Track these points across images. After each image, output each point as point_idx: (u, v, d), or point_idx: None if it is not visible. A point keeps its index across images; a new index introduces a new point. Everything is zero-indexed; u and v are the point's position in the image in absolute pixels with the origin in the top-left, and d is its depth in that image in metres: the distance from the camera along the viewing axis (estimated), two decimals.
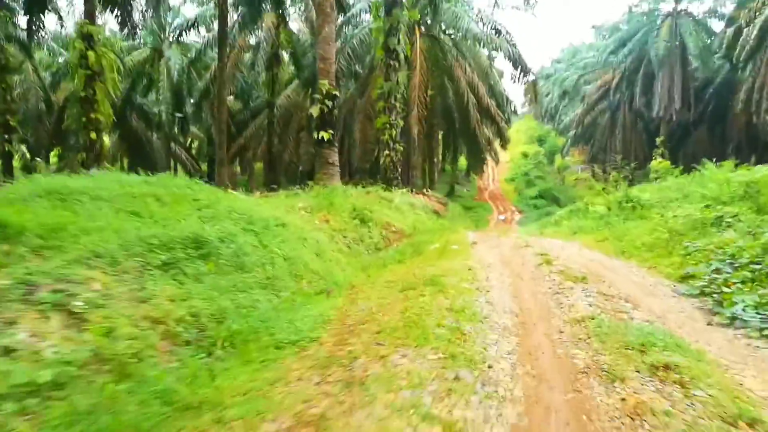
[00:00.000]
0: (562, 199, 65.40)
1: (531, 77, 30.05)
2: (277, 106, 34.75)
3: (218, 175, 24.85)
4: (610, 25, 54.51)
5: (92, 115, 18.36)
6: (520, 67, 28.78)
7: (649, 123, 55.98)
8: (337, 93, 19.71)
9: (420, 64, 26.12)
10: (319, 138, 17.93)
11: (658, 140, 48.60)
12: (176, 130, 39.61)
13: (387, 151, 21.60)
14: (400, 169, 22.15)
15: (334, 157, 18.53)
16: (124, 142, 41.94)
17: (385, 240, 13.86)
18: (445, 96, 31.29)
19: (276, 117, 34.01)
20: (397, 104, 21.90)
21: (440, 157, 47.83)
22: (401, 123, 22.03)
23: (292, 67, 34.72)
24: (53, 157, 42.44)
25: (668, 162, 37.97)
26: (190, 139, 46.09)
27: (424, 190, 23.01)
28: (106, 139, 20.72)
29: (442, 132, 33.71)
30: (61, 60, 36.13)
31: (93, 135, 18.46)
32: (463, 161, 68.73)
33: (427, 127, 34.57)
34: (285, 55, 35.75)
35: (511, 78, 38.52)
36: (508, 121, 37.55)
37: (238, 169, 47.94)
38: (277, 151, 36.18)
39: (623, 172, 61.15)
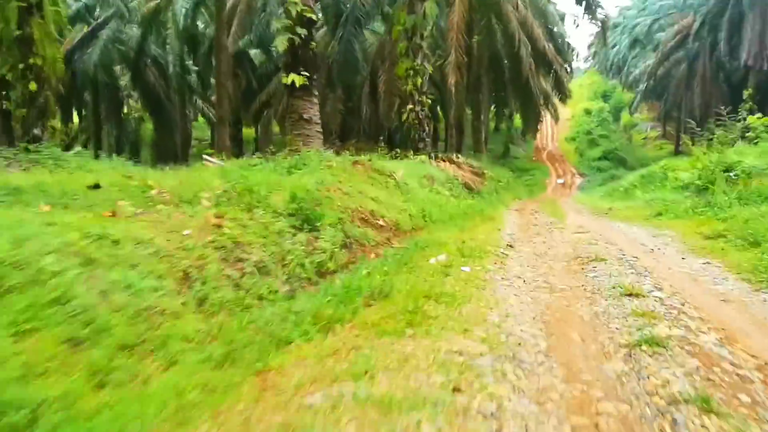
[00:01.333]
0: (629, 161, 59.29)
1: (600, 13, 24.66)
2: None
3: (218, 136, 20.78)
4: None
5: (30, 60, 14.32)
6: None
7: (732, 74, 49.17)
8: (314, 17, 14.83)
9: None
10: (290, 84, 13.33)
11: (745, 93, 42.01)
12: (195, 84, 35.60)
13: (411, 105, 16.86)
14: (428, 128, 17.37)
15: (312, 112, 13.79)
16: (145, 100, 38.33)
17: (349, 251, 8.62)
18: (492, 40, 26.29)
19: None
20: (424, 44, 17.05)
21: (490, 113, 42.52)
22: (430, 69, 17.21)
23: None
24: None
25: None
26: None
27: (454, 156, 18.06)
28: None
29: (489, 83, 28.72)
30: None
31: (33, 86, 14.45)
32: (519, 119, 63.17)
33: (472, 77, 29.62)
34: None
35: (574, 22, 32.77)
36: (569, 71, 32.03)
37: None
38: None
39: (704, 130, 54.47)
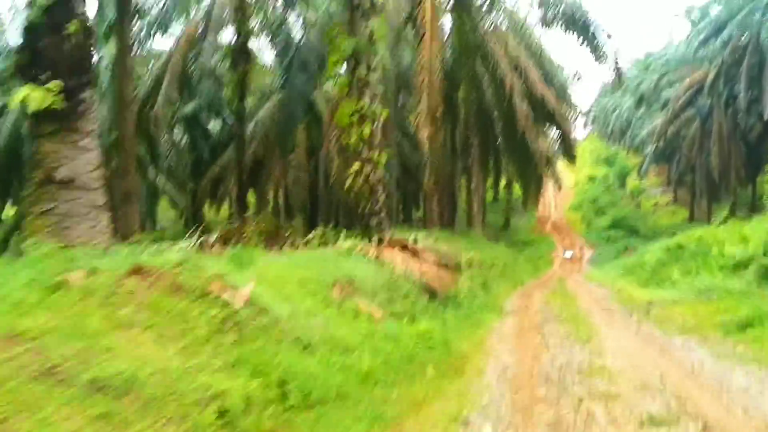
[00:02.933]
0: (641, 229, 54.11)
1: (610, 48, 19.87)
2: (258, 120, 25.63)
3: (123, 215, 15.70)
4: (698, 8, 43.53)
5: None
6: (593, 39, 18.74)
7: (749, 131, 44.62)
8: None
9: (432, 31, 16.62)
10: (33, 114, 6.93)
11: None
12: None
13: (357, 165, 11.58)
14: (381, 198, 11.97)
15: (79, 166, 6.86)
16: None
17: None
18: (479, 88, 21.68)
19: (252, 137, 24.81)
20: (373, 78, 11.91)
21: (485, 179, 37.51)
22: (384, 113, 12.05)
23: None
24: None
25: None
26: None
27: (412, 238, 12.40)
28: None
29: (479, 142, 23.92)
30: None
31: None
32: (517, 189, 58.42)
33: (459, 135, 24.84)
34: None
35: (575, 75, 28.07)
36: (574, 125, 27.24)
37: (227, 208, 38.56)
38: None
39: (725, 193, 49.67)
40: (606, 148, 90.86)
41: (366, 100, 11.21)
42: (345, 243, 8.89)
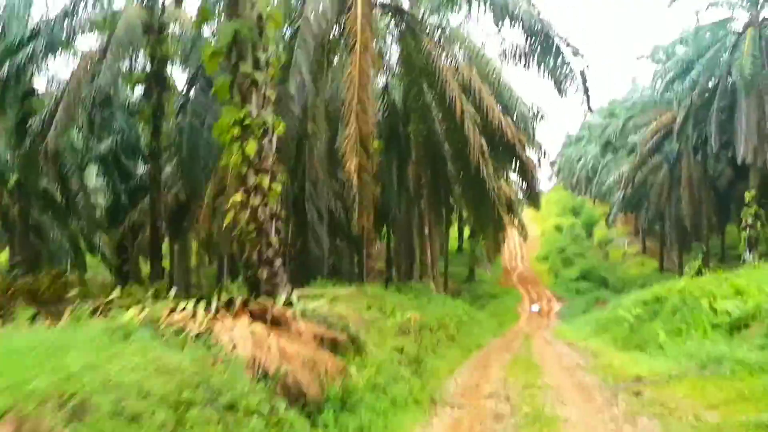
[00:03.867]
0: (610, 280, 51.60)
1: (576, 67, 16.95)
2: (184, 157, 22.34)
3: None
4: (664, 48, 41.68)
5: None
6: (557, 56, 16.01)
7: (718, 177, 42.71)
8: None
9: (363, 41, 13.67)
10: None
11: (747, 195, 34.97)
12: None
13: (241, 196, 8.11)
14: (275, 240, 8.61)
15: None
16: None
17: None
18: (427, 117, 18.78)
19: (174, 178, 21.52)
20: (261, 77, 8.62)
21: (444, 224, 34.38)
22: (280, 126, 8.80)
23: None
24: None
25: None
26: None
27: (283, 301, 8.92)
28: None
29: (429, 181, 20.84)
30: None
31: None
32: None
33: (413, 175, 21.89)
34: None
35: (538, 114, 25.40)
36: (538, 163, 24.37)
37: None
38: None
39: (697, 242, 47.39)
40: (572, 198, 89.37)
41: (251, 106, 8.10)
42: (132, 311, 5.29)
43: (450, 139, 18.29)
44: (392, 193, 21.28)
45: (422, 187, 21.42)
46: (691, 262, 44.54)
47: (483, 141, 16.37)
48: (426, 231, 23.20)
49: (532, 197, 24.90)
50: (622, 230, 70.03)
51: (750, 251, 34.18)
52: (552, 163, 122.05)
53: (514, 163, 19.92)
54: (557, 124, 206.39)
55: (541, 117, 25.42)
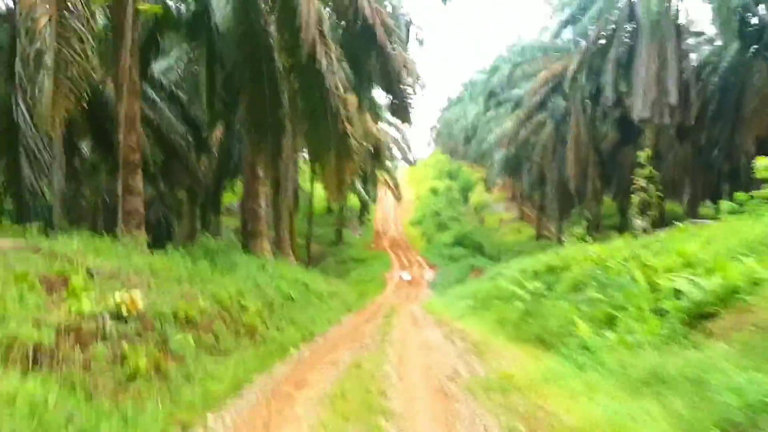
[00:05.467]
0: (486, 247, 47.90)
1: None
2: None
3: None
4: None
5: None
6: None
7: (602, 141, 39.37)
8: None
9: None
10: None
11: (642, 155, 31.04)
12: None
13: None
14: None
15: None
16: None
17: None
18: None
19: None
20: None
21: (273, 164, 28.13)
22: None
23: None
24: None
25: None
26: None
27: None
28: None
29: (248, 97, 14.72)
30: None
31: None
32: (354, 200, 50.37)
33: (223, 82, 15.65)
34: None
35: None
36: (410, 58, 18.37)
37: None
38: None
39: (582, 209, 44.08)
40: (450, 162, 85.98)
41: None
42: None
43: (279, 20, 12.24)
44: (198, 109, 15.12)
45: (239, 97, 15.20)
46: (571, 229, 41.47)
47: (323, 12, 10.46)
48: (259, 172, 17.15)
49: (401, 111, 19.05)
50: (499, 196, 67.20)
51: (642, 217, 30.62)
52: (431, 128, 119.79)
53: (375, 58, 14.11)
54: (437, 92, 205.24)
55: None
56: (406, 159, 54.23)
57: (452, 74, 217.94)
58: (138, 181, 9.89)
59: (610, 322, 9.33)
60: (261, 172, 17.15)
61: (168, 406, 4.91)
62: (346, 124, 12.43)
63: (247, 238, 17.15)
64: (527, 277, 17.48)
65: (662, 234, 16.15)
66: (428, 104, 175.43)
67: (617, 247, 14.21)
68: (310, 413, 5.53)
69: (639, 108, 29.88)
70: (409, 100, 17.08)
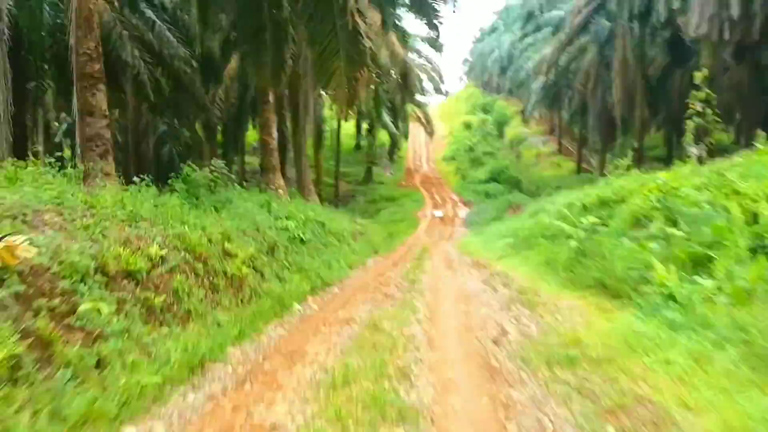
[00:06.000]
0: (523, 183, 45.52)
1: None
2: None
3: None
4: None
5: None
6: None
7: (649, 65, 36.14)
8: None
9: None
10: None
11: (698, 76, 28.26)
12: None
13: None
14: None
15: None
16: None
17: None
18: None
19: None
20: None
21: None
22: None
23: None
24: None
25: None
26: None
27: None
28: None
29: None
30: None
31: None
32: (384, 135, 48.12)
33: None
34: None
35: None
36: None
37: None
38: None
39: (628, 139, 41.10)
40: (484, 96, 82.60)
41: None
42: None
43: None
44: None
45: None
46: (615, 161, 38.63)
47: None
48: (269, 97, 15.13)
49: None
50: (536, 129, 64.29)
51: (698, 144, 27.96)
52: (464, 62, 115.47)
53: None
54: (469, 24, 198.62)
55: None
56: (438, 90, 51.47)
57: (485, 3, 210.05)
58: (101, 100, 8.02)
59: (700, 264, 7.36)
60: (271, 97, 15.16)
61: None
62: (357, 19, 10.28)
63: (262, 175, 15.36)
64: (576, 212, 15.43)
65: (737, 158, 13.71)
66: (460, 37, 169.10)
67: (684, 174, 12.00)
68: (290, 416, 3.70)
69: (695, 23, 26.91)
70: (440, 20, 14.81)
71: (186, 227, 6.01)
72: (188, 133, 25.12)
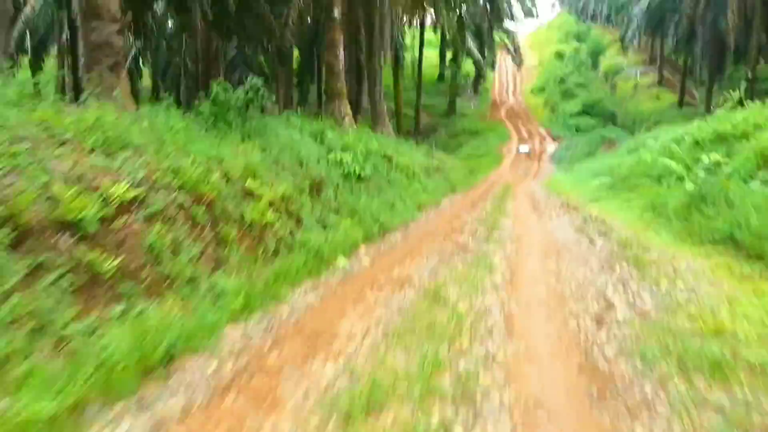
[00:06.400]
0: (619, 117, 42.23)
1: None
2: None
3: None
4: None
5: None
6: None
7: None
8: None
9: None
10: None
11: None
12: None
13: None
14: None
15: None
16: None
17: None
18: None
19: None
20: None
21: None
22: None
23: None
24: None
25: None
26: None
27: None
28: None
29: None
30: None
31: None
32: (469, 65, 45.41)
33: None
34: None
35: None
36: None
37: None
38: None
39: (741, 68, 36.92)
40: (578, 24, 77.32)
41: None
42: None
43: None
44: None
45: None
46: (726, 93, 34.75)
47: None
48: (335, 12, 13.29)
49: None
50: (634, 59, 59.57)
51: None
52: None
53: None
54: None
55: None
56: (529, 13, 47.81)
57: None
58: None
59: None
60: (336, 12, 13.44)
61: None
62: None
63: (326, 102, 13.82)
64: (686, 149, 13.24)
65: None
66: None
67: None
68: None
69: None
70: None
71: (191, 159, 4.58)
72: (262, 58, 23.80)
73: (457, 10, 33.60)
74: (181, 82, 24.48)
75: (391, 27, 20.84)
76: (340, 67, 13.70)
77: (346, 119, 13.15)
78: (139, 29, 19.72)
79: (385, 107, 20.31)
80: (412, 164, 12.65)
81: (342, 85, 13.78)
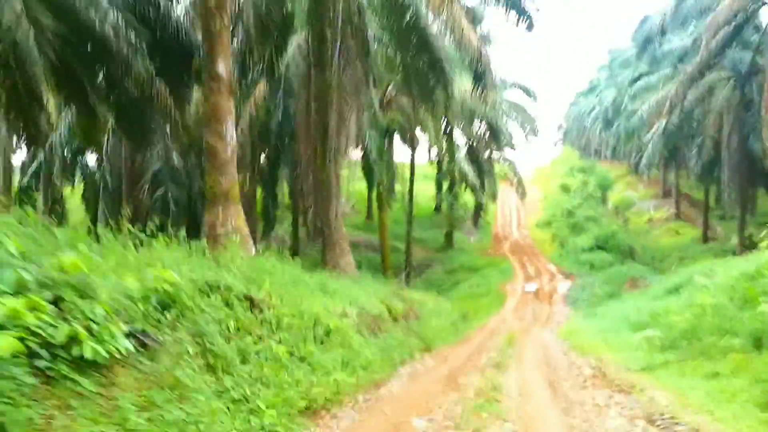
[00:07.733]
0: (638, 252, 37.29)
1: None
2: None
3: None
4: None
5: None
6: None
7: None
8: None
9: None
10: None
11: None
12: None
13: None
14: None
15: None
16: None
17: None
18: None
19: None
20: None
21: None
22: None
23: None
24: None
25: None
26: None
27: None
28: None
29: None
30: None
31: None
32: (467, 197, 41.23)
33: None
34: None
35: None
36: None
37: None
38: None
39: None
40: (582, 159, 74.70)
41: None
42: None
43: None
44: None
45: None
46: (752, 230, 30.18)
47: None
48: (220, 66, 8.39)
49: None
50: (645, 192, 55.81)
51: None
52: (558, 127, 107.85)
53: None
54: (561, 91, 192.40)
55: None
56: (532, 131, 44.00)
57: (577, 68, 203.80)
58: None
59: None
60: (221, 67, 8.57)
61: None
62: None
63: (207, 207, 8.72)
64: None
65: None
66: (552, 103, 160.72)
67: None
68: None
69: None
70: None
71: None
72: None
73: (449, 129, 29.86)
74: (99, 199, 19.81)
75: (358, 128, 16.28)
76: (228, 153, 8.64)
77: (236, 236, 8.01)
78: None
79: (345, 233, 15.31)
80: (340, 317, 7.40)
81: (230, 180, 8.62)
